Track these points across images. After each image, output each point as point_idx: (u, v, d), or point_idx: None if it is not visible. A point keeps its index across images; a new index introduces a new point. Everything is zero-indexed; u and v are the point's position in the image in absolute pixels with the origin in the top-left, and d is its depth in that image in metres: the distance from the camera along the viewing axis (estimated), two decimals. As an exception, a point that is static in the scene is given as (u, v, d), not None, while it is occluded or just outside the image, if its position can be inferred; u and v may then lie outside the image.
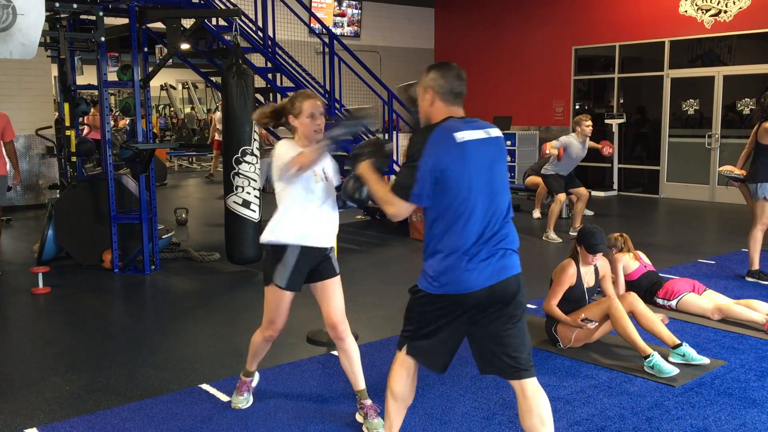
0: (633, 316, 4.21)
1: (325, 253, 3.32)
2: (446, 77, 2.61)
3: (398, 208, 2.61)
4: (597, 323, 4.20)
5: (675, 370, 3.87)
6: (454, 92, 2.62)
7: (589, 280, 4.38)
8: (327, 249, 3.32)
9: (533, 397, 2.60)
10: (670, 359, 4.06)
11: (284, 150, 3.20)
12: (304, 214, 3.22)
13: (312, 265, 3.30)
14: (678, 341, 4.12)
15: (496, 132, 2.68)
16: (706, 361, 4.07)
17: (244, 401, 3.59)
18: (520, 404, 2.63)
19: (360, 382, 3.34)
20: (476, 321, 2.61)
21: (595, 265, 4.40)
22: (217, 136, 14.06)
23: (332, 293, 3.32)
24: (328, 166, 3.32)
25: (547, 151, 8.04)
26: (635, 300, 4.28)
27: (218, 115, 14.08)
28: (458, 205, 2.53)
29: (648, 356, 3.95)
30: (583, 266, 4.34)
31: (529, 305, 5.30)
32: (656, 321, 4.21)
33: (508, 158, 12.59)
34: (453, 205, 2.53)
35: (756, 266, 6.01)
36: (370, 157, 2.79)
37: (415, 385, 2.84)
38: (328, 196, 3.27)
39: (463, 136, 2.55)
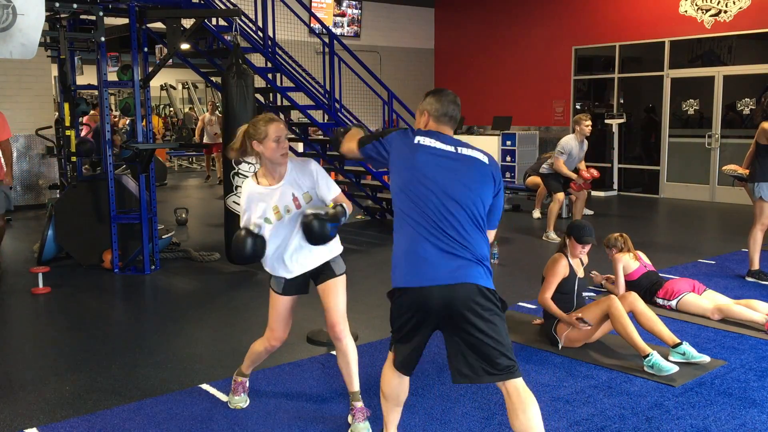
0: (633, 315, 4.22)
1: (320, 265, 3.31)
2: (442, 102, 2.79)
3: (353, 152, 2.95)
4: (591, 326, 4.24)
5: (675, 368, 3.88)
6: (447, 115, 2.79)
7: (579, 272, 4.46)
8: (318, 266, 3.30)
9: (519, 397, 2.60)
10: (671, 358, 4.06)
11: (244, 198, 3.30)
12: (277, 252, 3.23)
13: (307, 276, 3.31)
14: (678, 340, 4.13)
15: (472, 152, 2.71)
16: (706, 359, 4.08)
17: (243, 401, 3.59)
18: (507, 404, 2.64)
19: (354, 384, 3.33)
20: (444, 325, 2.63)
21: (580, 259, 4.51)
22: (205, 138, 13.70)
23: (331, 293, 3.31)
24: (300, 190, 3.23)
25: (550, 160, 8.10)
26: (635, 299, 4.28)
27: (207, 116, 13.82)
28: (408, 206, 2.64)
29: (647, 355, 3.95)
30: (572, 258, 4.44)
31: (529, 305, 5.30)
32: (656, 320, 4.21)
33: (508, 158, 12.61)
34: (405, 202, 2.65)
35: (756, 266, 6.01)
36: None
37: (407, 385, 2.90)
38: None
39: (422, 140, 2.70)
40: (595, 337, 4.37)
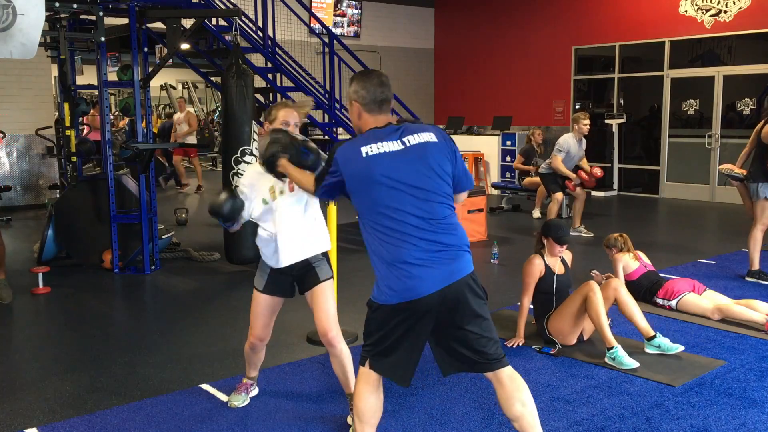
0: (616, 302, 4.29)
1: (307, 263, 3.31)
2: (367, 87, 2.62)
3: (309, 188, 2.87)
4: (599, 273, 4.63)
5: (635, 364, 3.97)
6: (377, 101, 2.63)
7: (558, 270, 4.49)
8: (304, 262, 3.30)
9: (510, 382, 2.59)
10: (647, 350, 4.22)
11: (246, 177, 3.37)
12: (264, 235, 3.28)
13: (292, 275, 3.32)
14: (653, 333, 4.22)
15: (420, 138, 2.58)
16: (681, 348, 4.18)
17: (240, 400, 3.60)
18: (499, 394, 2.61)
19: (351, 386, 3.33)
20: (435, 326, 2.57)
21: (562, 258, 4.55)
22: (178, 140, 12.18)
23: (319, 301, 3.30)
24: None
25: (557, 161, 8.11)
26: (619, 286, 4.32)
27: (178, 116, 12.93)
28: (383, 217, 2.52)
29: (612, 348, 4.04)
30: (549, 258, 4.48)
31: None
32: (637, 311, 4.27)
33: (508, 158, 12.60)
34: (378, 218, 2.53)
35: (756, 266, 6.01)
36: (283, 154, 2.96)
37: (381, 403, 2.72)
38: (297, 206, 3.24)
39: (370, 150, 2.53)
40: (587, 331, 4.40)
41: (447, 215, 2.57)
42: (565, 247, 4.47)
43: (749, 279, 6.01)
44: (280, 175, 3.07)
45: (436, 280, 2.49)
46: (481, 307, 2.58)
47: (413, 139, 2.59)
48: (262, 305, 3.38)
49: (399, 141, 2.57)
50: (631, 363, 3.99)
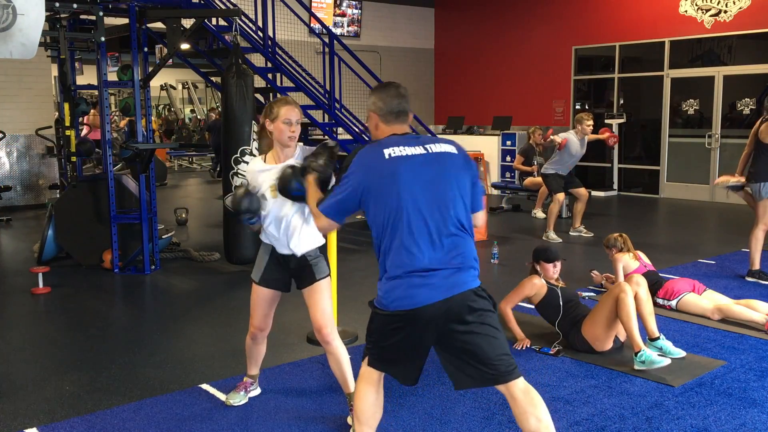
0: (635, 298, 4.23)
1: (304, 260, 3.31)
2: (385, 99, 2.65)
3: (322, 223, 2.70)
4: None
5: (667, 361, 3.91)
6: (394, 112, 2.65)
7: (561, 284, 4.57)
8: (302, 256, 3.30)
9: (524, 397, 2.52)
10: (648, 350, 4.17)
11: (248, 174, 3.38)
12: (269, 219, 3.29)
13: (289, 268, 3.33)
14: (657, 334, 4.20)
15: (441, 147, 2.61)
16: (682, 354, 4.15)
17: (238, 399, 3.61)
18: (513, 408, 2.55)
19: (350, 385, 3.34)
20: (439, 337, 2.54)
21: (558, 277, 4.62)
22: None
23: (315, 298, 3.31)
24: None
25: (551, 138, 8.08)
26: (642, 283, 4.29)
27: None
28: (396, 222, 2.50)
29: (639, 351, 3.98)
30: (548, 280, 4.53)
31: (528, 305, 5.29)
32: (650, 311, 4.24)
33: (508, 158, 12.60)
34: (390, 222, 2.51)
35: (756, 266, 6.01)
36: (317, 171, 2.88)
37: (381, 403, 2.73)
38: (296, 204, 3.24)
39: (393, 152, 2.54)
40: (621, 333, 4.30)
41: (457, 228, 2.55)
42: (559, 264, 4.53)
43: (749, 279, 6.01)
44: (292, 195, 3.03)
45: (437, 291, 2.46)
46: (489, 317, 2.53)
47: (435, 147, 2.61)
48: (260, 296, 3.42)
49: (421, 147, 2.59)
50: (662, 360, 3.88)
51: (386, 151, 2.55)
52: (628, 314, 4.04)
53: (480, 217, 2.73)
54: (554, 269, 4.49)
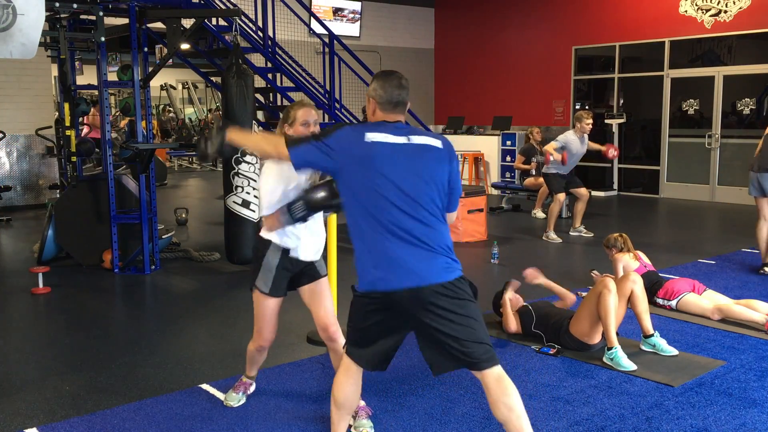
0: (630, 295, 4.29)
1: (309, 261, 3.33)
2: (385, 88, 2.67)
3: (277, 148, 2.64)
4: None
5: (633, 366, 3.97)
6: (392, 102, 2.67)
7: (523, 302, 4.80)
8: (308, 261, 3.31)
9: (496, 385, 2.56)
10: (641, 347, 4.27)
11: (272, 176, 3.17)
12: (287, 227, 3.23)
13: (294, 271, 3.31)
14: (652, 332, 4.24)
15: (424, 140, 2.63)
16: (675, 352, 4.19)
17: (236, 399, 3.60)
18: (487, 397, 2.60)
19: None
20: (414, 325, 2.59)
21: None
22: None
23: (321, 295, 3.33)
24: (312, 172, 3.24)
25: (551, 158, 8.01)
26: (638, 281, 4.32)
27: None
28: (366, 205, 2.55)
29: (612, 348, 4.04)
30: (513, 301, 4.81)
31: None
32: (646, 309, 4.28)
33: (508, 158, 12.60)
34: (361, 205, 2.56)
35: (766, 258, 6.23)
36: (315, 204, 2.86)
37: (359, 390, 2.83)
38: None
39: (374, 137, 2.57)
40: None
41: (430, 217, 2.58)
42: (510, 288, 4.77)
43: (761, 272, 6.19)
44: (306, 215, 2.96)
45: (410, 274, 2.51)
46: (462, 306, 2.55)
47: (418, 139, 2.63)
48: (271, 308, 3.34)
49: (405, 137, 2.62)
50: (629, 365, 3.98)
51: (368, 135, 2.58)
52: (606, 310, 4.06)
53: (450, 218, 2.74)
54: (514, 296, 4.76)
